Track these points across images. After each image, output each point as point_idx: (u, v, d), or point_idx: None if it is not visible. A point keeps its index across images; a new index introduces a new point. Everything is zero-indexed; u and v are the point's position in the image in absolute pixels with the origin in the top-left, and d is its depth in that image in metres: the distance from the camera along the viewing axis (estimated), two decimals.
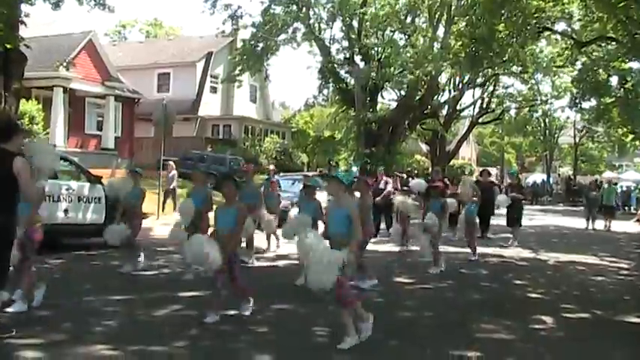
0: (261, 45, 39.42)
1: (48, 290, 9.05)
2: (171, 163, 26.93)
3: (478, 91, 51.95)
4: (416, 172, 47.52)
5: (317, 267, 7.26)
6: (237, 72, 40.66)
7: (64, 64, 28.44)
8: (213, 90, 49.83)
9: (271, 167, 20.59)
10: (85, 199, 15.17)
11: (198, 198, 11.98)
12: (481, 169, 41.42)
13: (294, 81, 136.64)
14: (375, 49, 40.84)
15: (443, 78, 43.60)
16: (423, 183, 17.90)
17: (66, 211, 14.66)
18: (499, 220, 21.65)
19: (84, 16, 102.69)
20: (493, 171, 68.26)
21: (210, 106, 49.22)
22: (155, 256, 14.07)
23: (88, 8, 28.24)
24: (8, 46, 18.16)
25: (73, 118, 35.36)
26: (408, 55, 38.26)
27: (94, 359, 6.76)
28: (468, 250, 15.95)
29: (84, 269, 10.45)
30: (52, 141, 29.97)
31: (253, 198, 13.24)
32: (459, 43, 30.61)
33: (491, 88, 51.29)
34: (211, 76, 49.10)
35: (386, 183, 20.69)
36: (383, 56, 39.83)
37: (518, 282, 13.13)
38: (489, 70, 39.21)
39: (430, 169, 53.51)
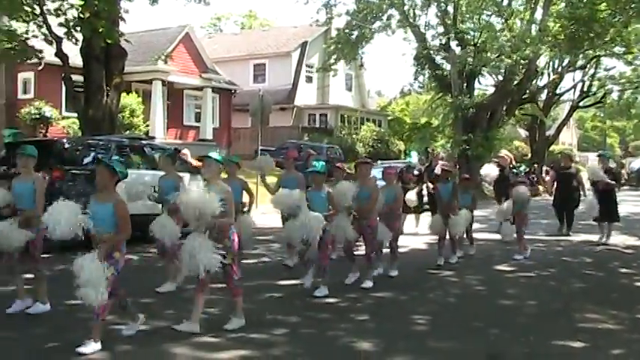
0: (355, 33, 39.30)
1: (149, 279, 9.21)
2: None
3: (578, 74, 50.59)
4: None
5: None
6: (332, 61, 40.65)
7: (162, 57, 28.94)
8: (309, 79, 49.96)
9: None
10: None
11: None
12: (581, 154, 40.40)
13: (389, 69, 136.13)
14: (471, 33, 40.24)
15: (541, 61, 42.51)
16: (493, 169, 16.29)
17: None
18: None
19: (180, 11, 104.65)
20: (593, 156, 66.69)
21: (306, 96, 49.38)
22: (255, 244, 14.18)
23: (184, 2, 28.58)
24: (109, 41, 18.60)
25: (172, 110, 36.04)
26: (505, 38, 37.49)
27: (195, 345, 6.82)
28: (570, 238, 15.44)
29: None
30: (152, 133, 30.63)
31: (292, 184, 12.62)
32: (558, 24, 29.88)
33: (592, 71, 49.78)
34: (307, 66, 49.23)
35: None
36: (479, 41, 39.16)
37: (624, 270, 12.66)
38: (590, 51, 38.05)
39: (530, 156, 52.54)
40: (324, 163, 9.58)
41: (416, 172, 17.81)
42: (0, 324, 7.55)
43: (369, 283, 10.12)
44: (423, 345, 7.07)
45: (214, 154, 7.57)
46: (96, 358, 6.34)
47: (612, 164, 17.42)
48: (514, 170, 15.14)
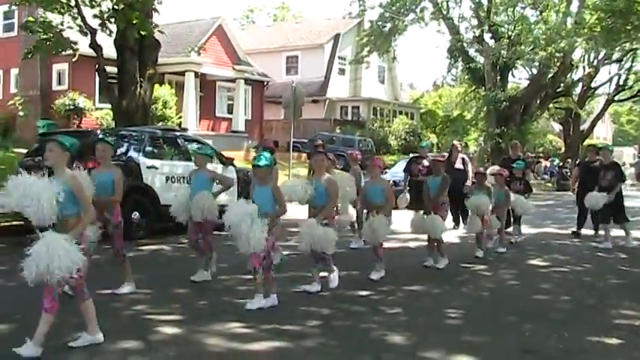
0: (388, 25, 39.23)
1: (182, 269, 9.23)
2: None
3: (614, 67, 50.08)
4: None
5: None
6: (364, 53, 40.61)
7: (195, 49, 28.99)
8: (341, 72, 49.89)
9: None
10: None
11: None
12: (617, 148, 39.90)
13: (422, 61, 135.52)
14: (506, 26, 40.03)
15: (576, 54, 42.22)
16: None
17: None
18: None
19: (213, 2, 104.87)
20: (630, 150, 65.91)
21: (339, 88, 49.31)
22: (287, 235, 14.14)
23: None
24: (143, 33, 18.66)
25: (204, 102, 36.17)
26: (540, 31, 37.28)
27: (228, 336, 6.83)
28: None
29: (219, 249, 10.55)
30: (185, 124, 30.76)
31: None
32: (594, 16, 29.51)
33: (628, 64, 49.26)
34: (339, 58, 49.16)
35: (464, 162, 16.33)
36: (514, 33, 38.96)
37: None
38: (627, 44, 37.57)
39: (563, 150, 52.14)
40: (268, 155, 8.42)
41: (426, 164, 15.55)
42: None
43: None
44: (455, 339, 7.02)
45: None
46: (130, 348, 6.35)
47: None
48: (513, 166, 14.35)
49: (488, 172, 14.77)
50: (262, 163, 8.15)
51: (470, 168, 16.04)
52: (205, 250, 9.72)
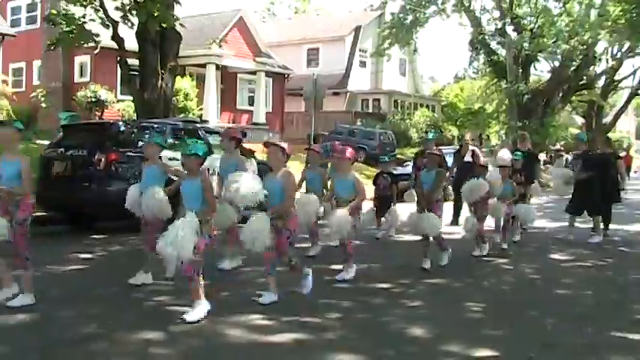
0: (410, 17, 39.04)
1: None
2: None
3: (638, 60, 49.66)
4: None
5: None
6: (385, 45, 40.44)
7: (217, 41, 29.05)
8: (362, 64, 49.79)
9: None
10: None
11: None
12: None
13: (443, 54, 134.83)
14: (528, 18, 39.76)
15: (600, 47, 41.83)
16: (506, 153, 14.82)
17: None
18: None
19: None
20: None
21: (360, 81, 49.22)
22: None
23: None
24: (165, 25, 18.71)
25: (225, 94, 36.27)
26: (563, 23, 36.95)
27: (249, 328, 6.84)
28: (627, 227, 15.01)
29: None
30: (206, 116, 30.83)
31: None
32: (619, 8, 29.23)
33: None
34: (360, 50, 49.05)
35: (473, 155, 15.59)
36: (536, 26, 38.69)
37: None
38: None
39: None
40: (200, 145, 7.48)
41: None
42: (60, 302, 7.65)
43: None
44: (476, 332, 6.99)
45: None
46: (152, 339, 6.38)
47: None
48: (515, 157, 13.76)
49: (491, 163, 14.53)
50: (191, 151, 7.26)
51: (480, 161, 14.83)
52: (148, 249, 8.68)
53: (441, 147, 16.14)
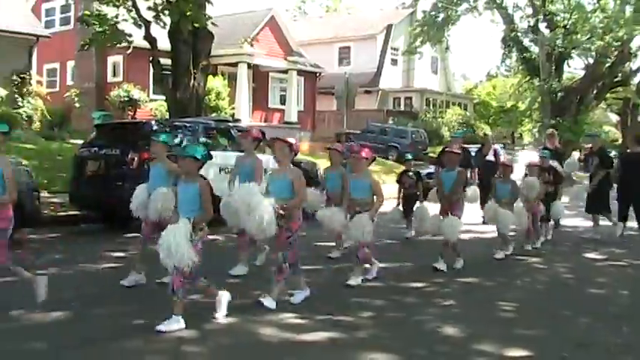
0: (441, 15, 38.92)
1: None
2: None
3: None
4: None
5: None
6: (417, 43, 40.35)
7: (248, 40, 29.12)
8: (394, 62, 49.66)
9: None
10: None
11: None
12: None
13: (475, 51, 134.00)
14: (561, 15, 39.43)
15: (635, 43, 41.40)
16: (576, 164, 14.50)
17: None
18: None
19: None
20: None
21: (391, 79, 49.10)
22: None
23: None
24: (197, 24, 18.79)
25: (257, 93, 36.35)
26: (597, 19, 36.61)
27: (282, 327, 6.85)
28: None
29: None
30: (237, 115, 30.93)
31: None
32: None
33: None
34: (392, 49, 48.93)
35: (495, 154, 15.65)
36: (569, 22, 38.35)
37: None
38: None
39: (620, 141, 51.22)
40: (197, 147, 7.13)
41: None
42: (94, 300, 7.71)
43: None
44: (509, 332, 6.95)
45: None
46: (184, 337, 6.41)
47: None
48: (542, 155, 13.34)
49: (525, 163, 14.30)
50: (188, 153, 6.93)
51: (502, 160, 14.52)
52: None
53: (466, 145, 15.89)
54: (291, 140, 7.81)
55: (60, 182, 16.61)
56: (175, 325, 6.57)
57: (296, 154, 7.89)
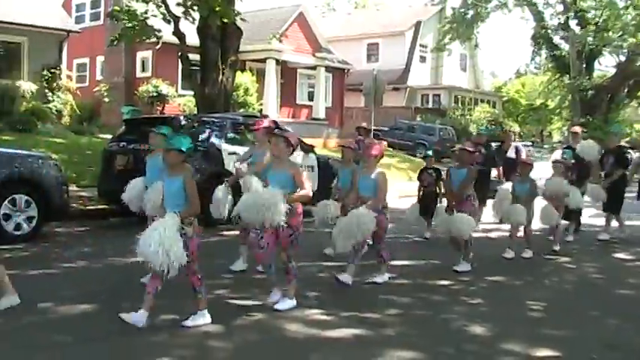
0: (471, 12, 38.76)
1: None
2: None
3: None
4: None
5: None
6: (446, 41, 40.21)
7: (277, 36, 29.13)
8: (422, 59, 49.47)
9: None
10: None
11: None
12: None
13: (504, 49, 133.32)
14: (592, 12, 39.10)
15: None
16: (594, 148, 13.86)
17: None
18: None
19: None
20: None
21: (420, 76, 48.91)
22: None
23: None
24: (225, 20, 18.84)
25: (285, 89, 36.30)
26: (629, 17, 36.24)
27: (308, 323, 6.86)
28: None
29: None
30: (265, 111, 30.97)
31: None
32: None
33: None
34: (420, 46, 48.74)
35: (516, 151, 15.20)
36: (601, 19, 38.02)
37: None
38: None
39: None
40: (182, 139, 6.74)
41: (483, 151, 14.15)
42: (121, 293, 7.75)
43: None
44: (537, 331, 6.90)
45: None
46: (210, 331, 6.43)
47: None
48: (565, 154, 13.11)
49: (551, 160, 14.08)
50: (172, 146, 6.66)
51: (523, 157, 14.31)
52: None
53: (491, 142, 15.71)
54: (290, 135, 7.71)
55: (89, 176, 16.74)
56: (201, 320, 6.61)
57: (294, 149, 7.67)
